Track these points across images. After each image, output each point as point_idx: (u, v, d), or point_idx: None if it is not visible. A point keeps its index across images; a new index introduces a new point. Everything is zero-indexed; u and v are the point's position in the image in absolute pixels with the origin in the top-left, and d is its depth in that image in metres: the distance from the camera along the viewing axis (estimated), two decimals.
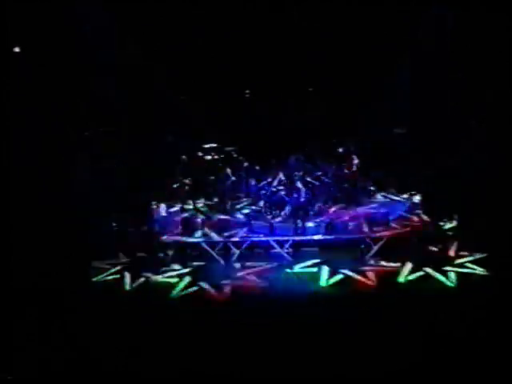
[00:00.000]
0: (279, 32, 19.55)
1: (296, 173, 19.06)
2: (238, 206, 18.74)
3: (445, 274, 15.14)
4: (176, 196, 18.80)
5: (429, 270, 15.36)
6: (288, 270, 15.86)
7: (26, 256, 15.25)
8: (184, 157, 18.71)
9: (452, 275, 15.06)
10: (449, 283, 14.79)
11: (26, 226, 15.84)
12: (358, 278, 15.23)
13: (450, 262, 15.90)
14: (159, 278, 15.69)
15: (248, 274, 15.78)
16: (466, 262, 15.79)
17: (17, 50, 17.06)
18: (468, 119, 19.07)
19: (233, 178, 19.18)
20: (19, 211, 15.89)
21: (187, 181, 18.72)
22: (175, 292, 14.84)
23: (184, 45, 19.76)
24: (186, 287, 15.04)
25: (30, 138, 16.89)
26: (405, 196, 19.06)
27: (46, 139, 17.36)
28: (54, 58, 17.65)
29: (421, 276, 15.22)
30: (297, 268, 15.99)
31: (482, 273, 15.20)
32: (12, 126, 16.37)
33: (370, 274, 15.31)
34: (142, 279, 15.54)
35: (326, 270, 15.59)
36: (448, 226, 17.60)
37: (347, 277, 15.29)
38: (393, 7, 18.82)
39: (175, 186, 18.80)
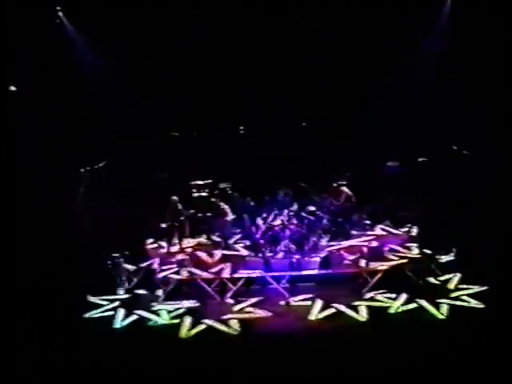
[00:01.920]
0: (272, 67, 19.69)
1: (286, 208, 19.07)
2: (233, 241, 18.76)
3: (437, 306, 15.08)
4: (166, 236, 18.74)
5: (423, 302, 15.33)
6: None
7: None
8: (175, 197, 18.63)
9: (444, 308, 15.01)
10: (440, 315, 14.74)
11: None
12: (350, 312, 15.19)
13: (446, 294, 15.84)
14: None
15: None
16: (462, 295, 15.70)
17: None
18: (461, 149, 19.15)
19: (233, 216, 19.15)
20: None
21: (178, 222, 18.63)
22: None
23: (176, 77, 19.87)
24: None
25: (31, 144, 16.91)
26: (401, 229, 19.10)
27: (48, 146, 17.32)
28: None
29: (413, 308, 15.20)
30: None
31: (476, 306, 15.08)
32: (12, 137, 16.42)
33: (362, 309, 15.27)
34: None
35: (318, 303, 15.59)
36: (445, 259, 17.57)
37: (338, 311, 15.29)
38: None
39: (164, 225, 18.63)
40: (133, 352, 13.41)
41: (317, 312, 15.26)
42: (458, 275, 16.70)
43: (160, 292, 16.80)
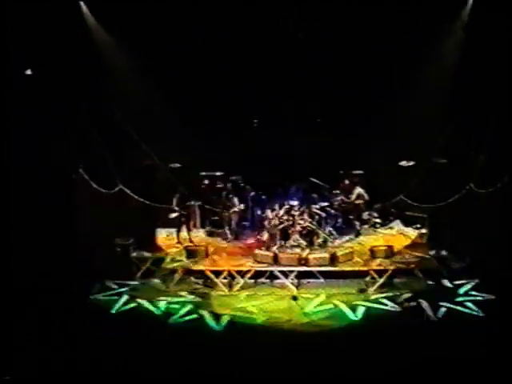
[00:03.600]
0: (287, 62, 19.64)
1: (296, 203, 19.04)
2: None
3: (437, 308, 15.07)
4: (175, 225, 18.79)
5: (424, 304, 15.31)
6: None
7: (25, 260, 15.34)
8: (182, 187, 18.65)
9: (442, 310, 14.99)
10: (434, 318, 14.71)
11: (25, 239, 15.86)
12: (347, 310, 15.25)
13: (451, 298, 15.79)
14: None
15: None
16: (465, 301, 15.62)
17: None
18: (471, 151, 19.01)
19: (241, 206, 19.14)
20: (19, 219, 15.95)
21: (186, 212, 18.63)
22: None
23: (189, 71, 19.85)
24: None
25: (33, 143, 16.86)
26: (411, 230, 19.05)
27: (51, 145, 17.34)
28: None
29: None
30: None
31: (474, 313, 15.01)
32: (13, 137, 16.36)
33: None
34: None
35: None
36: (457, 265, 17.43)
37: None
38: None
39: (172, 216, 18.65)
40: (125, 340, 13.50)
41: (314, 306, 15.33)
42: (472, 282, 16.59)
43: (164, 281, 16.91)
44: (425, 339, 13.26)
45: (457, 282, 16.63)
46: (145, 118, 19.85)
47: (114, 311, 15.33)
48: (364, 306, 15.38)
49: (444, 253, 17.37)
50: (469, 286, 16.41)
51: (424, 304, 15.32)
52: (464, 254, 17.24)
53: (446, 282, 16.67)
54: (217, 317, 14.85)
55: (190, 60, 19.63)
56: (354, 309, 15.20)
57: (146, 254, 17.69)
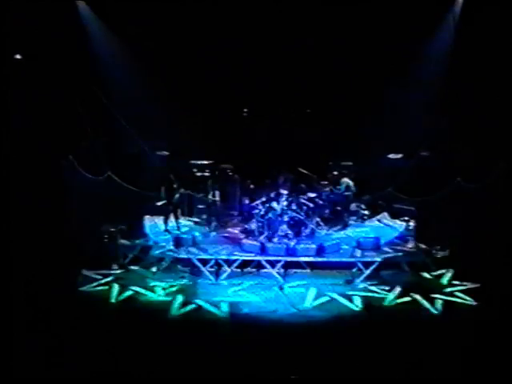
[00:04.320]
0: (278, 50, 19.61)
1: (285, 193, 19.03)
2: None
3: (432, 301, 15.08)
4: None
5: (417, 296, 15.33)
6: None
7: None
8: (170, 175, 18.58)
9: (438, 303, 15.02)
10: (433, 311, 14.74)
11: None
12: (344, 301, 15.20)
13: (440, 289, 15.85)
14: None
15: None
16: (455, 291, 15.72)
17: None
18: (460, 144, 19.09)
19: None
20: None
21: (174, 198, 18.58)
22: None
23: (179, 58, 19.76)
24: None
25: (25, 140, 16.77)
26: (398, 222, 19.12)
27: (41, 143, 17.22)
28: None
29: (407, 302, 15.19)
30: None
31: (469, 303, 15.11)
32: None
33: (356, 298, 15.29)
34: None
35: (313, 291, 15.60)
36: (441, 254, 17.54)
37: (333, 300, 15.29)
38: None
39: (160, 203, 18.59)
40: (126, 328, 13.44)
41: (311, 299, 15.25)
42: (451, 271, 16.69)
43: (154, 268, 16.82)
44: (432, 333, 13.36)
45: (436, 273, 16.75)
46: (134, 107, 19.80)
47: (113, 301, 15.24)
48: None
49: (430, 245, 17.45)
50: (449, 275, 16.54)
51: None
52: (446, 244, 17.38)
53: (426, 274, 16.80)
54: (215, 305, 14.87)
55: (180, 48, 19.59)
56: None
57: (134, 242, 17.62)
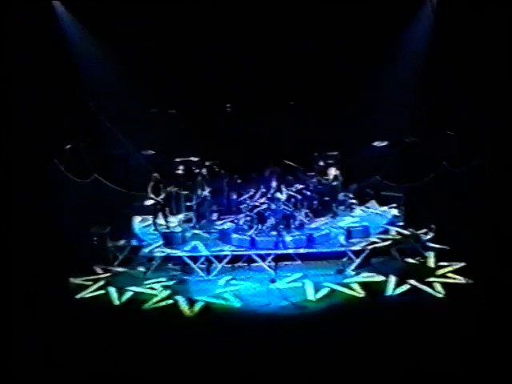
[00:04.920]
0: (260, 44, 19.59)
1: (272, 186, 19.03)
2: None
3: (430, 285, 15.17)
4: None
5: (413, 282, 15.37)
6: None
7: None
8: (156, 174, 18.53)
9: (438, 286, 15.11)
10: (437, 294, 14.83)
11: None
12: (345, 290, 15.24)
13: (432, 273, 15.92)
14: None
15: None
16: (447, 273, 15.84)
17: None
18: (444, 129, 19.16)
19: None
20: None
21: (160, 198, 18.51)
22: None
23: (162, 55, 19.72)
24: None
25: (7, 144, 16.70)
26: (387, 209, 19.19)
27: (25, 147, 17.14)
28: None
29: (408, 289, 15.22)
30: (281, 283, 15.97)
31: (464, 281, 15.25)
32: None
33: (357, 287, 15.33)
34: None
35: (310, 284, 15.58)
36: (427, 237, 17.61)
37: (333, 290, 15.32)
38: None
39: (148, 203, 18.56)
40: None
41: (313, 293, 15.24)
42: (432, 254, 16.82)
43: (143, 268, 16.81)
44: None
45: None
46: (117, 106, 19.75)
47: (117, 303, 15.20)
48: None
49: (420, 231, 17.56)
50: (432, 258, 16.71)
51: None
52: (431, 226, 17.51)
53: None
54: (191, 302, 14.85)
55: (163, 45, 19.53)
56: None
57: (123, 243, 17.61)
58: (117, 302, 15.12)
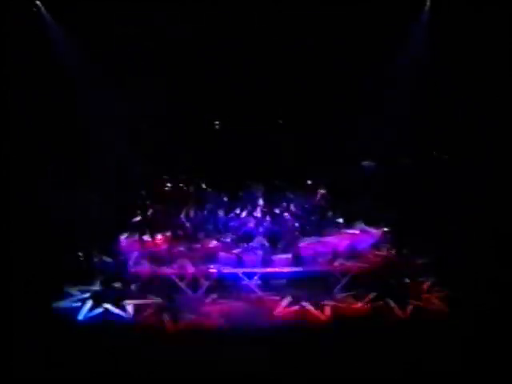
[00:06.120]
0: (249, 62, 19.62)
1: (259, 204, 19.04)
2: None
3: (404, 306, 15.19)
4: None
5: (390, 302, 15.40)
6: None
7: None
8: (143, 192, 18.50)
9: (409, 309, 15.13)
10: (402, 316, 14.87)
11: None
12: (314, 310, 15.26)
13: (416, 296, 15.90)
14: None
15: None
16: (431, 298, 15.79)
17: None
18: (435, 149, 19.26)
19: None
20: None
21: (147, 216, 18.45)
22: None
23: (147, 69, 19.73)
24: None
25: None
26: (375, 229, 19.17)
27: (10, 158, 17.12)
28: None
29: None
30: None
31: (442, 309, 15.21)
32: None
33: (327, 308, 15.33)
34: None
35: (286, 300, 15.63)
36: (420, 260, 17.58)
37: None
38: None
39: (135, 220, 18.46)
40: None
41: (283, 307, 15.31)
42: (431, 278, 16.73)
43: (133, 286, 16.70)
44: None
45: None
46: (105, 119, 19.77)
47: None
48: None
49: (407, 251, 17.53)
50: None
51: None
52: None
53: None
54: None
55: (151, 60, 19.54)
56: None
57: (109, 259, 17.51)
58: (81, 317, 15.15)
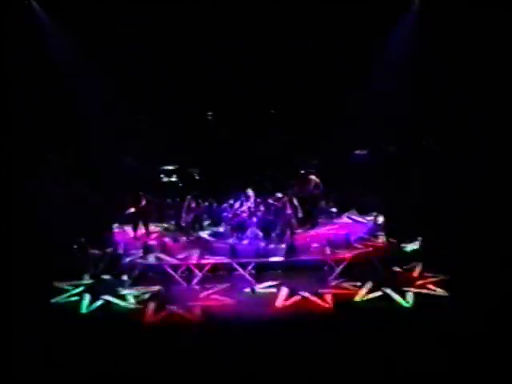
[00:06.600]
0: (243, 54, 19.60)
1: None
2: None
3: (403, 294, 15.16)
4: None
5: (388, 290, 15.37)
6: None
7: None
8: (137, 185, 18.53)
9: (410, 296, 15.11)
10: (405, 304, 14.83)
11: None
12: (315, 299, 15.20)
13: (412, 283, 15.92)
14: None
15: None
16: (427, 284, 15.81)
17: None
18: (425, 139, 19.30)
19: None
20: None
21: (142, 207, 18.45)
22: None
23: (145, 63, 19.69)
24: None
25: None
26: (367, 217, 19.24)
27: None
28: None
29: (379, 296, 15.24)
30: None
31: (441, 294, 15.20)
32: None
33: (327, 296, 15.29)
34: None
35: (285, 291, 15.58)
36: (410, 247, 17.70)
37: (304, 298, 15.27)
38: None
39: (129, 211, 18.50)
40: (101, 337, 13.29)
41: (283, 299, 15.24)
42: (420, 264, 16.78)
43: (125, 277, 16.72)
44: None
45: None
46: (98, 114, 19.74)
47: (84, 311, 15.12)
48: None
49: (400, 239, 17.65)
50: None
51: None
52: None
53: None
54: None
55: (143, 55, 19.52)
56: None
57: (103, 251, 17.53)
58: (84, 311, 15.09)
